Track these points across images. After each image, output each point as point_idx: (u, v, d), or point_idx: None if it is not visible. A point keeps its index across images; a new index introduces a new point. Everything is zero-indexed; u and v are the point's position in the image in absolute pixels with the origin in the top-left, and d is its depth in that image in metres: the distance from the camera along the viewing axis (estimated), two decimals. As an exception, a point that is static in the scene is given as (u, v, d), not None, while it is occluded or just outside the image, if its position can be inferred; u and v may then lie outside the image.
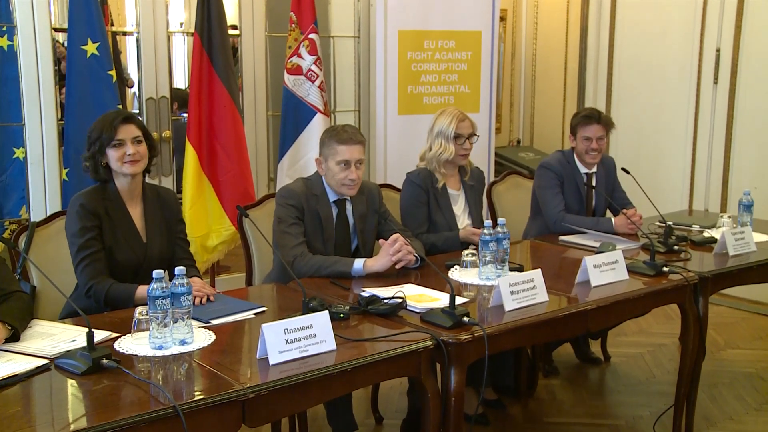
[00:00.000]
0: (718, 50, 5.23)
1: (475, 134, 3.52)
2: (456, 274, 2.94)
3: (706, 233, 3.64)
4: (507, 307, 2.52)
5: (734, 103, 5.21)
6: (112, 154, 2.67)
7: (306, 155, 4.42)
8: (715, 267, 3.15)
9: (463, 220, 3.56)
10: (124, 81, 5.20)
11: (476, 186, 3.67)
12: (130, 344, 2.17)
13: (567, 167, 3.81)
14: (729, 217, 3.79)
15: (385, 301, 2.47)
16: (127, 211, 2.74)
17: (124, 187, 2.74)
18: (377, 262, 2.88)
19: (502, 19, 6.33)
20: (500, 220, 2.89)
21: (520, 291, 2.58)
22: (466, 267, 2.96)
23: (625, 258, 2.97)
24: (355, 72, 5.19)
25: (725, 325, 4.74)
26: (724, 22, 5.18)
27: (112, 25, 4.92)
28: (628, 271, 2.94)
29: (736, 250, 3.31)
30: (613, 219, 3.66)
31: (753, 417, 3.56)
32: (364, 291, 2.61)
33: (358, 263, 2.89)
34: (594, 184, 3.84)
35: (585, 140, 3.75)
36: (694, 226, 3.83)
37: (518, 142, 6.69)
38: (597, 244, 3.25)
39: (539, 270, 2.66)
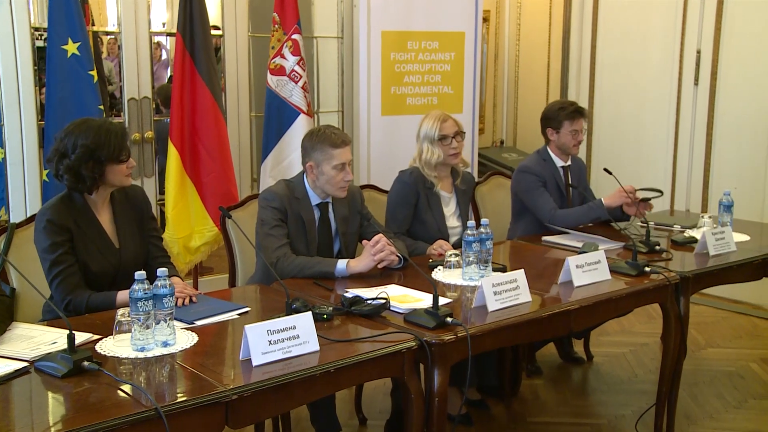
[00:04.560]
0: (698, 52, 5.28)
1: (462, 132, 3.52)
2: (439, 274, 2.94)
3: (687, 233, 3.67)
4: (490, 308, 2.52)
5: (714, 105, 5.26)
6: (117, 169, 2.61)
7: (289, 156, 4.41)
8: (696, 267, 3.17)
9: (452, 222, 3.57)
10: (105, 81, 5.17)
11: (467, 190, 3.69)
12: (112, 346, 2.15)
13: (545, 166, 3.84)
14: (709, 217, 3.83)
15: (369, 301, 2.47)
16: (96, 219, 2.68)
17: (97, 196, 2.68)
18: (360, 263, 2.88)
19: (485, 20, 6.36)
20: (483, 220, 2.90)
21: (503, 291, 2.58)
22: (450, 267, 2.96)
23: (607, 258, 2.99)
24: (339, 73, 5.18)
25: (706, 325, 4.78)
26: (704, 24, 5.23)
27: (93, 24, 4.89)
28: (611, 271, 2.96)
29: (717, 250, 3.34)
30: (602, 198, 3.70)
31: (732, 415, 3.60)
32: (347, 292, 2.60)
33: (341, 264, 2.88)
34: (570, 179, 3.88)
35: (573, 133, 3.80)
36: (675, 226, 3.86)
37: (501, 142, 6.71)
38: (580, 245, 3.27)
39: (522, 270, 2.67)
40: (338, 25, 5.15)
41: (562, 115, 3.82)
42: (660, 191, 3.82)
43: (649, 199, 3.75)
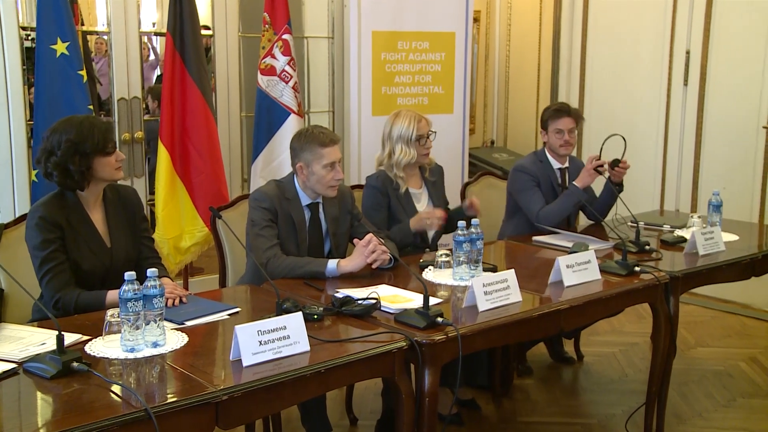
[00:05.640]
0: (687, 52, 5.31)
1: (433, 131, 3.52)
2: (430, 274, 2.95)
3: (677, 233, 3.68)
4: (481, 308, 2.53)
5: (704, 105, 5.29)
6: (104, 162, 2.61)
7: (280, 156, 4.40)
8: (686, 266, 3.19)
9: None
10: (95, 81, 5.15)
11: (437, 181, 3.68)
12: (102, 347, 2.14)
13: (540, 167, 3.84)
14: (699, 217, 3.85)
15: (359, 301, 2.46)
16: (89, 217, 2.68)
17: (90, 195, 2.68)
18: (351, 263, 2.88)
19: (476, 20, 6.37)
20: (474, 220, 2.90)
21: (494, 291, 2.59)
22: (440, 267, 2.97)
23: (597, 258, 2.99)
24: (330, 73, 5.18)
25: (695, 324, 4.80)
26: (694, 26, 5.26)
27: (83, 24, 4.87)
28: (601, 271, 2.96)
29: (706, 250, 3.35)
30: (574, 182, 3.71)
31: (722, 414, 3.62)
32: (337, 292, 2.60)
33: (332, 264, 2.88)
34: (567, 181, 3.88)
35: (557, 133, 3.79)
36: (665, 226, 3.88)
37: (492, 142, 6.72)
38: (570, 245, 3.28)
39: (513, 270, 2.67)
40: (329, 25, 5.14)
41: (546, 114, 3.84)
42: (618, 159, 3.80)
43: (619, 159, 3.75)
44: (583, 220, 4.28)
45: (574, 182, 3.72)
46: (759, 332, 4.74)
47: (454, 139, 5.24)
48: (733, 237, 3.66)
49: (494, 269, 2.93)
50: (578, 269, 2.91)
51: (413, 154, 3.45)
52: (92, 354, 2.11)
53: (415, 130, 3.43)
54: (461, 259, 2.84)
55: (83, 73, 3.85)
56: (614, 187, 3.76)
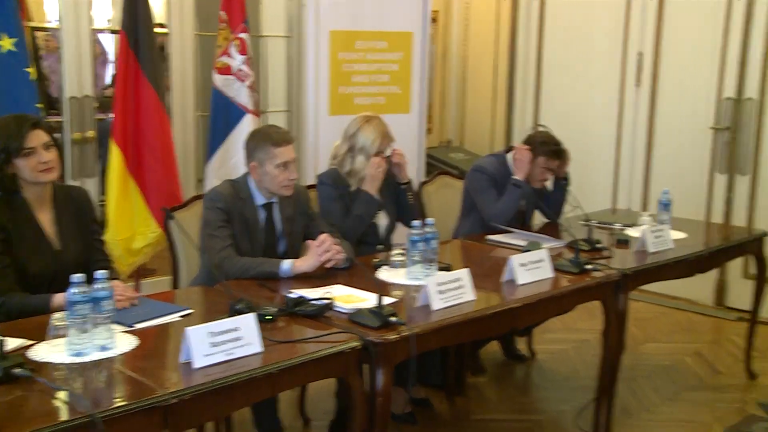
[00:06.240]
0: (640, 54, 5.41)
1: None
2: (384, 274, 2.95)
3: (628, 231, 3.75)
4: (434, 307, 2.54)
5: (655, 106, 5.39)
6: (24, 164, 2.51)
7: (235, 156, 4.36)
8: (635, 264, 3.25)
9: (380, 218, 3.55)
10: (43, 79, 5.04)
11: (389, 182, 3.67)
12: (46, 352, 2.09)
13: (500, 170, 3.86)
14: (649, 215, 3.92)
15: (313, 302, 2.46)
16: (35, 219, 2.60)
17: (32, 196, 2.60)
18: (305, 263, 2.87)
19: (434, 20, 6.39)
20: (429, 220, 2.91)
21: (448, 290, 2.60)
22: (395, 267, 2.98)
23: (550, 256, 3.03)
24: (287, 72, 5.15)
25: (645, 320, 4.89)
26: (646, 27, 5.36)
27: (31, 20, 4.76)
28: (554, 269, 3.01)
29: (655, 248, 3.42)
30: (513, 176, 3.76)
31: (668, 407, 3.70)
32: (291, 292, 2.59)
33: (286, 264, 2.87)
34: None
35: (546, 170, 3.80)
36: (616, 224, 3.95)
37: (449, 142, 6.76)
38: (524, 243, 3.31)
39: (467, 269, 2.70)
40: (286, 24, 5.11)
41: (543, 149, 3.78)
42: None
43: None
44: (538, 219, 4.32)
45: (513, 176, 3.75)
46: (704, 327, 4.86)
47: (411, 139, 5.26)
48: (683, 235, 3.74)
49: (448, 268, 2.94)
50: (531, 268, 2.94)
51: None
52: (36, 359, 2.05)
53: (378, 146, 3.44)
54: (416, 258, 2.85)
55: (31, 70, 3.75)
56: (560, 181, 3.82)
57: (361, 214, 3.38)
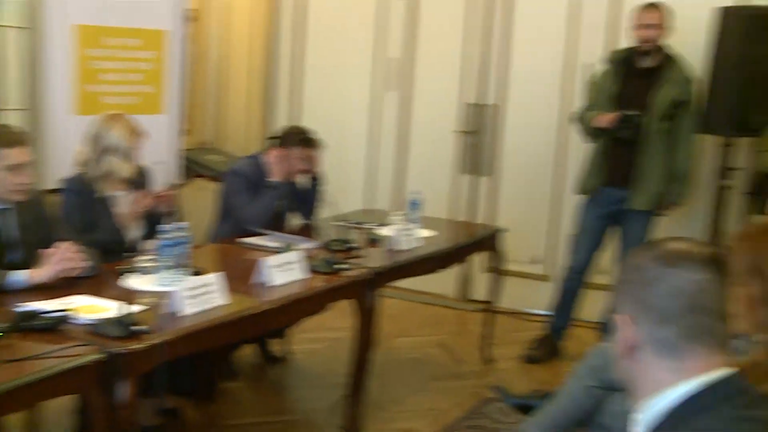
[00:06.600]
0: (393, 59, 5.69)
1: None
2: (133, 281, 2.82)
3: (380, 231, 3.94)
4: (184, 312, 2.48)
5: (409, 110, 5.71)
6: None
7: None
8: (386, 262, 3.43)
9: (131, 228, 3.40)
10: None
11: (142, 181, 3.54)
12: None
13: (257, 172, 3.86)
14: (400, 215, 4.14)
15: (46, 314, 2.28)
16: None
17: None
18: (41, 273, 2.66)
19: (196, 19, 6.22)
20: (182, 223, 2.84)
21: (199, 295, 2.56)
22: (144, 273, 2.86)
23: (304, 257, 3.09)
24: (24, 67, 4.71)
25: (397, 316, 5.06)
26: (400, 32, 5.62)
27: None
28: (307, 269, 3.07)
29: (405, 246, 3.63)
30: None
31: (415, 398, 3.90)
32: (18, 306, 2.37)
33: (19, 275, 2.63)
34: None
35: (302, 160, 3.84)
36: (369, 224, 4.12)
37: (205, 144, 6.61)
38: (277, 245, 3.34)
39: (219, 273, 2.67)
40: (25, 14, 4.68)
41: (291, 140, 3.85)
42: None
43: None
44: (296, 220, 4.39)
45: (267, 179, 3.79)
46: (448, 319, 5.21)
47: (168, 140, 5.08)
48: (434, 233, 4.00)
49: (200, 272, 2.88)
50: (285, 269, 2.98)
51: (127, 168, 3.30)
52: None
53: (130, 144, 3.28)
54: (166, 263, 2.76)
55: None
56: (314, 182, 3.94)
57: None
